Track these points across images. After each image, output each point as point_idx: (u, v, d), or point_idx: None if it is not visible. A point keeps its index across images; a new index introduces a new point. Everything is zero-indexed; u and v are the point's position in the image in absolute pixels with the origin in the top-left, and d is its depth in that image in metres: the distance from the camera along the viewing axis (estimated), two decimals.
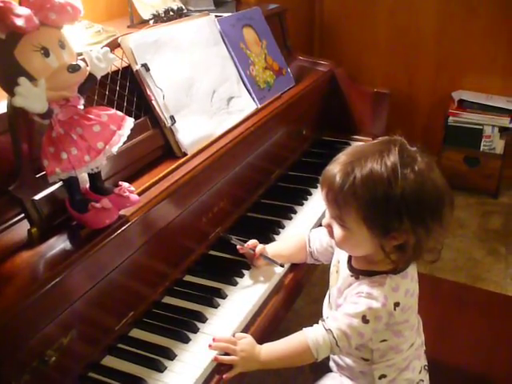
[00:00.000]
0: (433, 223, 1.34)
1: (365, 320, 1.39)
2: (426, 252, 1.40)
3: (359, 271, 1.48)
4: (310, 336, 1.44)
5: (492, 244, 3.54)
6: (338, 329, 1.41)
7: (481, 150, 3.95)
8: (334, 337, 1.41)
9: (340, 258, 1.57)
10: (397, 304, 1.39)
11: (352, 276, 1.49)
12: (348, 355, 1.55)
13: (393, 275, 1.41)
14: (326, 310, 1.64)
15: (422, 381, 1.59)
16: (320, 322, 1.47)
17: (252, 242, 1.74)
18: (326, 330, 1.42)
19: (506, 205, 3.99)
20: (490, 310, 2.20)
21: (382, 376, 1.52)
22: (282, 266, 1.72)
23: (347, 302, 1.45)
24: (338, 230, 1.41)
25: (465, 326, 2.09)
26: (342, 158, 1.39)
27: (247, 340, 1.47)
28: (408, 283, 1.43)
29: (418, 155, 1.35)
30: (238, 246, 1.74)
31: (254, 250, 1.72)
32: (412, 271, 1.47)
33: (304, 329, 1.47)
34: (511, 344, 2.00)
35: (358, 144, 1.45)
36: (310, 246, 1.73)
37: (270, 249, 1.75)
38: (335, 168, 1.37)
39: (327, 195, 1.39)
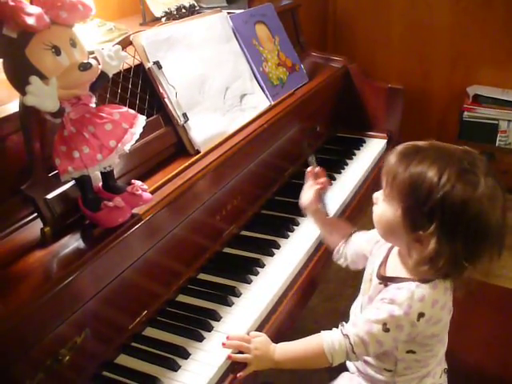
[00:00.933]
0: (464, 247, 1.30)
1: (385, 328, 1.36)
2: (456, 273, 1.37)
3: (388, 278, 1.46)
4: (326, 339, 1.42)
5: (508, 240, 3.48)
6: (355, 335, 1.39)
7: (496, 145, 3.92)
8: (350, 343, 1.39)
9: (374, 266, 1.54)
10: (421, 315, 1.34)
11: (381, 283, 1.47)
12: (370, 366, 1.53)
13: (420, 284, 1.37)
14: (353, 317, 1.59)
15: None
16: (339, 326, 1.45)
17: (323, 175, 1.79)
18: (344, 335, 1.41)
19: None
20: (506, 307, 2.17)
21: None
22: (327, 215, 1.73)
23: (370, 308, 1.43)
24: (379, 205, 1.42)
25: (479, 323, 2.06)
26: (418, 144, 1.39)
27: (261, 338, 1.46)
28: (438, 294, 1.37)
29: (483, 178, 1.29)
30: (308, 169, 1.79)
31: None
32: (446, 284, 1.40)
33: (322, 332, 1.46)
34: None
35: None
36: (347, 239, 1.72)
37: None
38: (403, 148, 1.38)
39: (385, 166, 1.40)
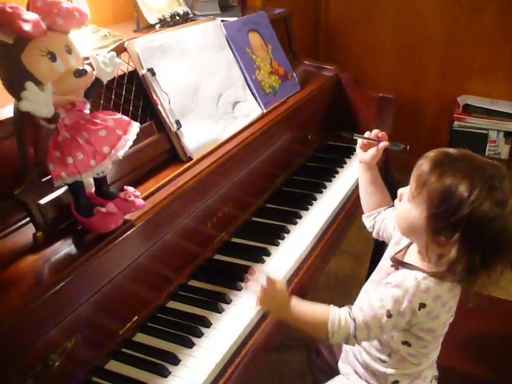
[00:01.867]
0: (481, 259, 1.33)
1: (388, 314, 1.39)
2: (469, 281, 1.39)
3: (400, 262, 1.50)
4: (333, 314, 1.44)
5: None
6: (362, 320, 1.42)
7: (486, 154, 3.95)
8: (355, 326, 1.42)
9: (392, 251, 1.59)
10: (422, 305, 1.38)
11: (392, 266, 1.51)
12: (366, 353, 1.56)
13: (428, 276, 1.40)
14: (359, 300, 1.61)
15: None
16: (347, 308, 1.47)
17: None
18: (351, 317, 1.43)
19: None
20: (497, 317, 2.19)
21: (395, 382, 1.53)
22: (405, 148, 1.75)
23: (375, 292, 1.46)
24: (404, 203, 1.45)
25: (471, 332, 2.08)
26: (452, 153, 1.41)
27: (280, 292, 1.50)
28: (442, 291, 1.40)
29: (510, 200, 1.33)
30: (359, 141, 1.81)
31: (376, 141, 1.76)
32: (452, 285, 1.42)
33: (331, 306, 1.48)
34: None
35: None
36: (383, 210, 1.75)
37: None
38: (437, 156, 1.40)
39: (417, 169, 1.42)
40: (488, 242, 1.32)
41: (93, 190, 1.39)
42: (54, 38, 1.20)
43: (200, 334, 1.49)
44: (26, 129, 1.25)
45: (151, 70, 1.72)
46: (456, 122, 3.94)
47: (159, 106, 1.73)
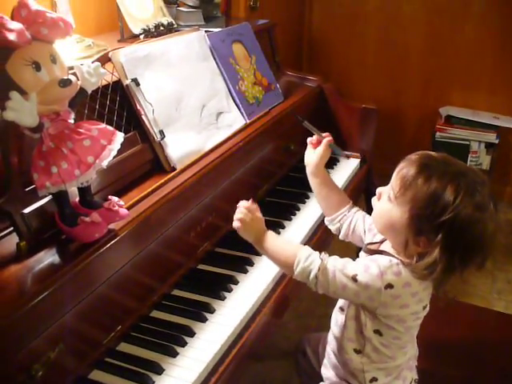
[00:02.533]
0: (460, 259, 1.38)
1: (355, 278, 1.42)
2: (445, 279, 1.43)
3: (375, 251, 1.53)
4: (304, 250, 1.49)
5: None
6: (330, 265, 1.44)
7: (468, 165, 3.97)
8: (320, 267, 1.44)
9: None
10: (390, 285, 1.40)
11: (367, 255, 1.55)
12: (343, 350, 1.57)
13: (402, 264, 1.43)
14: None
15: None
16: (324, 253, 1.50)
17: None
18: (320, 258, 1.46)
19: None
20: (477, 325, 2.20)
21: (374, 379, 1.54)
22: (347, 157, 1.76)
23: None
24: (384, 202, 1.47)
25: (451, 340, 2.09)
26: (435, 156, 1.45)
27: (259, 219, 1.58)
28: (413, 280, 1.42)
29: (491, 202, 1.39)
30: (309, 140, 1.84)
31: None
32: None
33: (306, 246, 1.52)
34: (498, 359, 2.01)
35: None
36: (348, 211, 1.75)
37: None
38: (422, 158, 1.43)
39: (401, 171, 1.44)
40: (468, 245, 1.37)
41: (77, 199, 1.39)
42: (38, 48, 1.21)
43: (184, 344, 1.49)
44: (10, 138, 1.25)
45: (135, 80, 1.73)
46: (438, 133, 3.96)
47: (143, 116, 1.73)
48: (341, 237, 1.77)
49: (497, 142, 3.87)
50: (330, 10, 4.35)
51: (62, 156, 1.25)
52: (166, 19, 2.35)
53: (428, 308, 1.51)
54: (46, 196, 1.32)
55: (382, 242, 1.58)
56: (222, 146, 1.93)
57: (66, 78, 1.23)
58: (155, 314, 1.62)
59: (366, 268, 1.42)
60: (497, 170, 3.97)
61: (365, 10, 4.24)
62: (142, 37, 2.20)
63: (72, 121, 1.31)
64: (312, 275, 1.45)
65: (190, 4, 2.60)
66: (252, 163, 2.09)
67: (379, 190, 1.52)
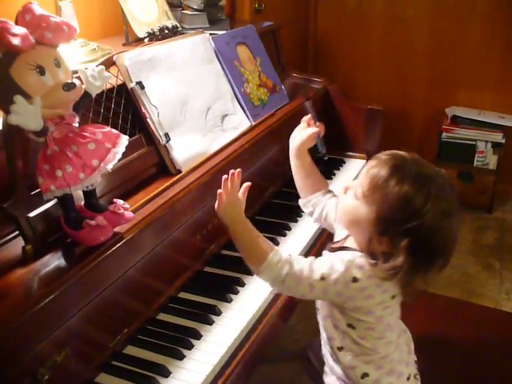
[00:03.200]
0: (423, 263, 1.40)
1: (322, 276, 1.43)
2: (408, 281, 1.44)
3: (337, 248, 1.56)
4: (276, 252, 1.48)
5: (486, 259, 3.55)
6: (297, 270, 1.45)
7: (474, 165, 3.97)
8: (288, 272, 1.45)
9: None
10: (355, 279, 1.42)
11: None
12: (332, 350, 1.58)
13: (365, 257, 1.45)
14: None
15: None
16: (290, 256, 1.50)
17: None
18: (289, 263, 1.46)
19: (500, 220, 4.00)
20: (485, 326, 2.20)
21: (365, 375, 1.54)
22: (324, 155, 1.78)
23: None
24: (350, 197, 1.47)
25: (460, 341, 2.08)
26: (406, 157, 1.45)
27: (241, 202, 1.56)
28: (376, 272, 1.44)
29: (455, 209, 1.41)
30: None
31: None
32: None
33: (277, 250, 1.51)
34: (505, 359, 2.00)
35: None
36: (323, 195, 1.77)
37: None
38: (394, 159, 1.43)
39: (371, 169, 1.44)
40: (433, 250, 1.39)
41: (82, 202, 1.39)
42: (42, 52, 1.21)
43: (190, 346, 1.49)
44: (15, 142, 1.25)
45: (140, 84, 1.73)
46: (444, 133, 3.96)
47: (148, 119, 1.73)
48: (313, 220, 1.80)
49: (503, 141, 3.86)
50: (334, 11, 4.35)
51: (66, 159, 1.25)
52: (171, 22, 2.35)
53: (399, 297, 1.52)
54: (51, 200, 1.33)
55: (346, 237, 1.59)
56: (228, 148, 1.93)
57: (70, 81, 1.23)
58: (162, 316, 1.62)
59: (332, 265, 1.44)
60: (504, 170, 3.96)
61: (370, 11, 4.23)
62: (146, 40, 2.20)
63: (77, 124, 1.32)
64: (279, 280, 1.47)
65: (195, 7, 2.60)
66: (257, 165, 2.09)
67: (346, 184, 1.53)
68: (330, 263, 1.45)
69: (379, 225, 1.40)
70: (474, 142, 3.92)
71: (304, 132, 1.79)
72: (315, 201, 1.78)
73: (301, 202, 1.83)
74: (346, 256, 1.46)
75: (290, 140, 1.82)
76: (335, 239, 1.71)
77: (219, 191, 1.54)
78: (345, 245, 1.55)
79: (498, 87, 4.02)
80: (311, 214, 1.80)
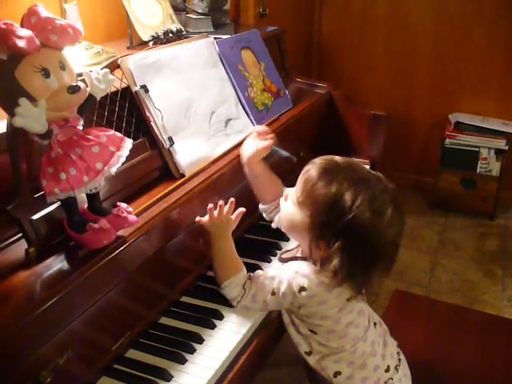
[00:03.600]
0: (362, 266, 1.43)
1: (273, 292, 1.53)
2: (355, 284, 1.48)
3: (287, 259, 1.63)
4: (240, 276, 1.58)
5: (488, 266, 3.54)
6: (252, 293, 1.56)
7: (477, 172, 3.97)
8: (243, 296, 1.57)
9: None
10: (303, 288, 1.47)
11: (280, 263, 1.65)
12: (308, 355, 1.61)
13: (311, 264, 1.51)
14: None
15: (391, 379, 1.62)
16: (249, 274, 1.61)
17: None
18: (244, 289, 1.57)
19: (502, 227, 4.00)
20: (487, 333, 2.19)
21: (337, 373, 1.57)
22: (291, 158, 1.85)
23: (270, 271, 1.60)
24: (289, 204, 1.54)
25: (461, 348, 2.08)
26: (339, 162, 1.50)
27: (232, 222, 1.63)
28: (324, 277, 1.47)
29: (390, 208, 1.43)
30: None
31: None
32: None
33: (241, 273, 1.60)
34: (508, 367, 1.99)
35: (358, 161, 1.56)
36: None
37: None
38: (325, 163, 1.49)
39: (304, 174, 1.50)
40: (367, 250, 1.41)
41: (85, 205, 1.39)
42: (47, 55, 1.21)
43: (192, 350, 1.49)
44: (19, 144, 1.25)
45: (144, 87, 1.73)
46: (447, 140, 3.96)
47: (152, 123, 1.73)
48: (273, 226, 1.81)
49: (506, 148, 3.86)
50: (339, 16, 4.36)
51: (70, 162, 1.25)
52: (175, 26, 2.35)
53: (357, 299, 1.54)
54: (54, 202, 1.32)
55: (298, 245, 1.65)
56: (231, 152, 1.92)
57: (74, 84, 1.23)
58: (164, 320, 1.62)
59: (280, 279, 1.51)
60: (506, 177, 3.96)
61: (374, 17, 4.24)
62: (151, 43, 2.21)
63: (81, 127, 1.31)
64: (234, 301, 1.58)
65: (199, 11, 2.60)
66: None
67: (286, 191, 1.60)
68: (278, 277, 1.52)
69: (314, 229, 1.44)
70: (477, 149, 3.93)
71: (253, 145, 1.80)
72: (273, 208, 1.81)
73: (261, 209, 1.87)
74: (292, 267, 1.52)
75: (241, 150, 1.83)
76: (289, 246, 1.79)
77: (210, 206, 1.59)
78: (297, 254, 1.61)
79: (502, 94, 4.02)
80: (271, 220, 1.83)
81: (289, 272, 1.52)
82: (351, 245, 1.39)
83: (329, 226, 1.41)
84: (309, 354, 1.58)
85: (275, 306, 1.56)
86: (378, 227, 1.41)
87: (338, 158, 1.53)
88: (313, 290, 1.47)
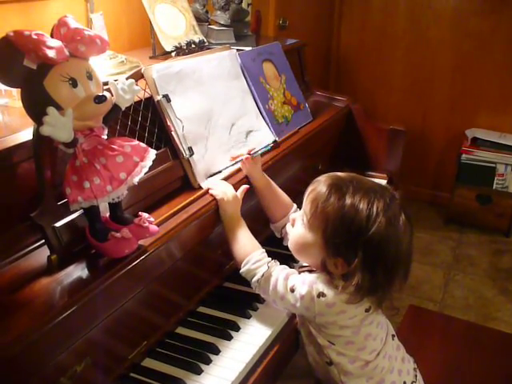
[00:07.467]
0: (384, 277, 1.42)
1: (292, 289, 1.50)
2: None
3: (304, 267, 1.62)
4: (258, 253, 1.60)
5: (503, 283, 3.53)
6: (274, 275, 1.54)
7: (493, 188, 3.96)
8: (264, 274, 1.55)
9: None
10: (322, 294, 1.45)
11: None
12: (324, 365, 1.59)
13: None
14: None
15: None
16: (274, 261, 1.60)
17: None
18: (268, 266, 1.56)
19: None
20: (501, 351, 2.18)
21: None
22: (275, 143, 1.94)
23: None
24: (298, 227, 1.53)
25: (475, 365, 2.07)
26: (343, 176, 1.49)
27: (238, 201, 1.71)
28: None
29: (402, 214, 1.43)
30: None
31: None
32: None
33: (261, 250, 1.63)
34: None
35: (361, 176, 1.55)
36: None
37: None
38: (332, 180, 1.48)
39: (311, 193, 1.49)
40: (388, 261, 1.40)
41: (108, 214, 1.40)
42: (75, 65, 1.23)
43: (209, 361, 1.49)
44: (44, 152, 1.27)
45: (166, 97, 1.74)
46: (464, 155, 3.96)
47: (173, 133, 1.74)
48: (284, 243, 1.80)
49: None
50: (358, 29, 4.37)
51: (94, 171, 1.26)
52: (198, 37, 2.37)
53: (375, 310, 1.51)
54: (77, 210, 1.33)
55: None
56: None
57: (101, 94, 1.24)
58: (180, 330, 1.62)
59: (303, 280, 1.49)
60: None
61: (393, 32, 4.25)
62: (173, 54, 2.22)
63: (105, 137, 1.33)
64: (255, 279, 1.56)
65: (222, 22, 2.62)
66: (280, 182, 2.08)
67: (292, 216, 1.60)
68: (302, 278, 1.50)
69: (329, 247, 1.43)
70: (493, 165, 3.92)
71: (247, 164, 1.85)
72: (283, 226, 1.82)
73: (272, 226, 1.88)
74: (315, 273, 1.51)
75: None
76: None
77: (212, 192, 1.68)
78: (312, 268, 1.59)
79: None
80: (282, 238, 1.84)
81: (311, 277, 1.50)
82: (372, 258, 1.38)
83: (346, 241, 1.39)
84: (329, 364, 1.56)
85: (288, 305, 1.54)
86: (395, 236, 1.40)
87: (339, 173, 1.53)
88: (331, 298, 1.45)
